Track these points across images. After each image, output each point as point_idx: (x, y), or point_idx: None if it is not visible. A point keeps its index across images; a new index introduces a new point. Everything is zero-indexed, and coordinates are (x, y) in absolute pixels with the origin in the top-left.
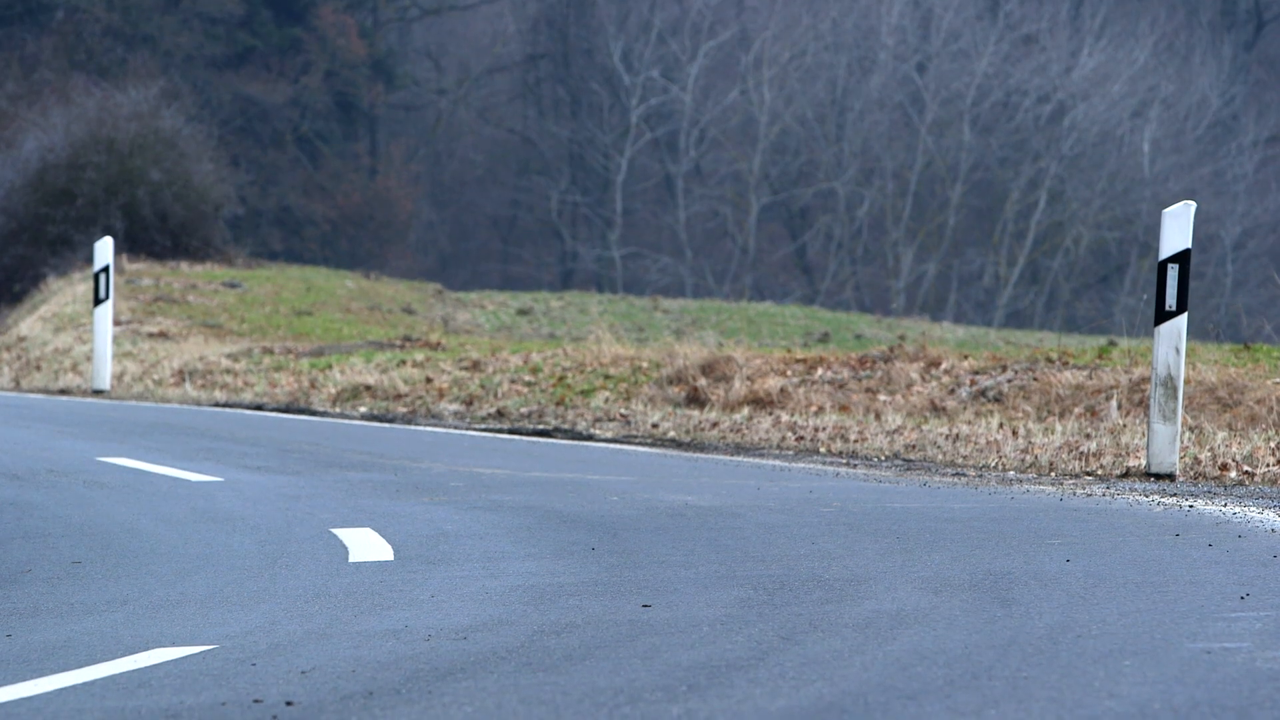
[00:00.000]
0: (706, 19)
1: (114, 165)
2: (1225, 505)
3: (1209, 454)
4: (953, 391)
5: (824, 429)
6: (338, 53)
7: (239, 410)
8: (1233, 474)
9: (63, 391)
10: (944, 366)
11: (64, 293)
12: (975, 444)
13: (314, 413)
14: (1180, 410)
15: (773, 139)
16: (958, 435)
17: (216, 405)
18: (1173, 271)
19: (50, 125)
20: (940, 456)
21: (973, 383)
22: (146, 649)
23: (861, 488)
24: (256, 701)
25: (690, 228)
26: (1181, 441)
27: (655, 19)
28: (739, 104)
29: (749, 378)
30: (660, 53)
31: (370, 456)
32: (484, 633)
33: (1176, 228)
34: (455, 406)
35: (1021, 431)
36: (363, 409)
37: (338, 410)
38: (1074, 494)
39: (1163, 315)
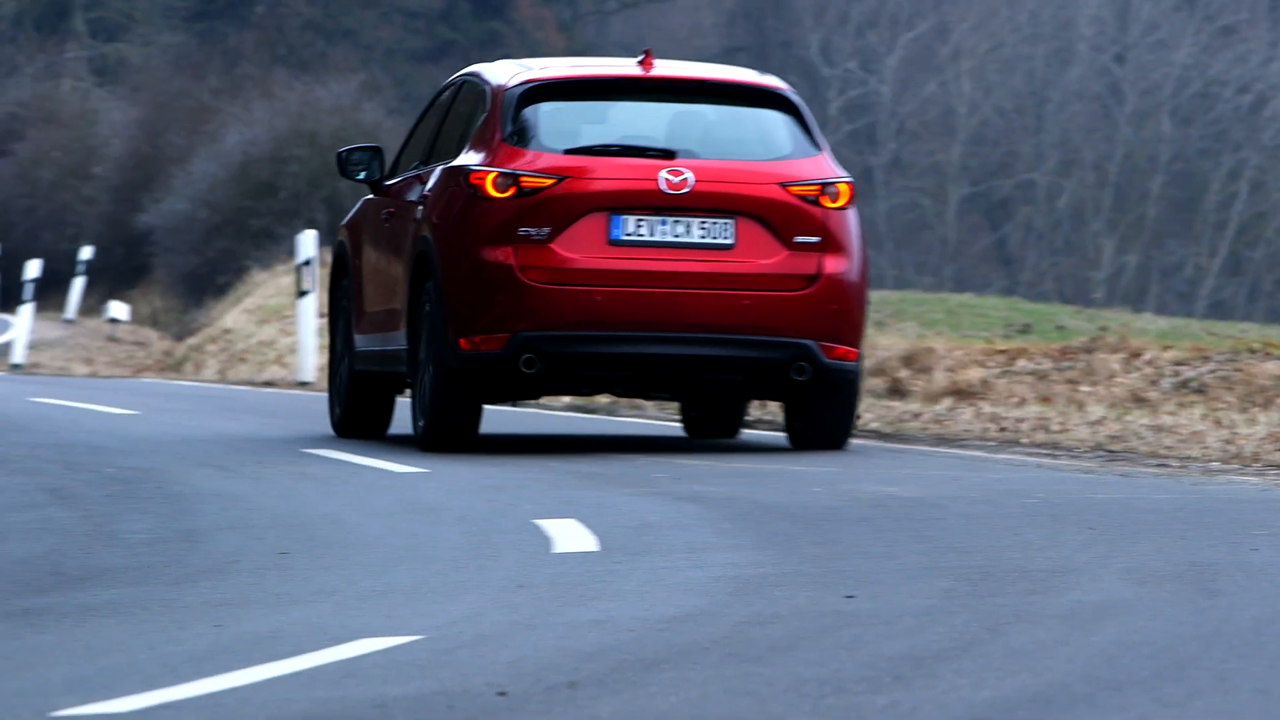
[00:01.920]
0: (905, 11)
1: (315, 159)
2: None
3: None
4: (1155, 382)
5: (1026, 420)
6: (536, 46)
7: None
8: None
9: (267, 383)
10: (1146, 357)
11: (267, 285)
12: (1178, 435)
13: (516, 405)
14: None
15: (972, 130)
16: (1160, 426)
17: None
18: None
19: (252, 119)
20: (1143, 447)
21: (1175, 373)
22: (353, 639)
23: (1064, 478)
24: (464, 692)
25: (890, 219)
26: None
27: (853, 11)
28: (938, 95)
29: (950, 369)
30: (858, 45)
31: (574, 447)
32: (688, 623)
33: None
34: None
35: (1225, 422)
36: (564, 400)
37: (540, 401)
38: (1278, 485)
39: None
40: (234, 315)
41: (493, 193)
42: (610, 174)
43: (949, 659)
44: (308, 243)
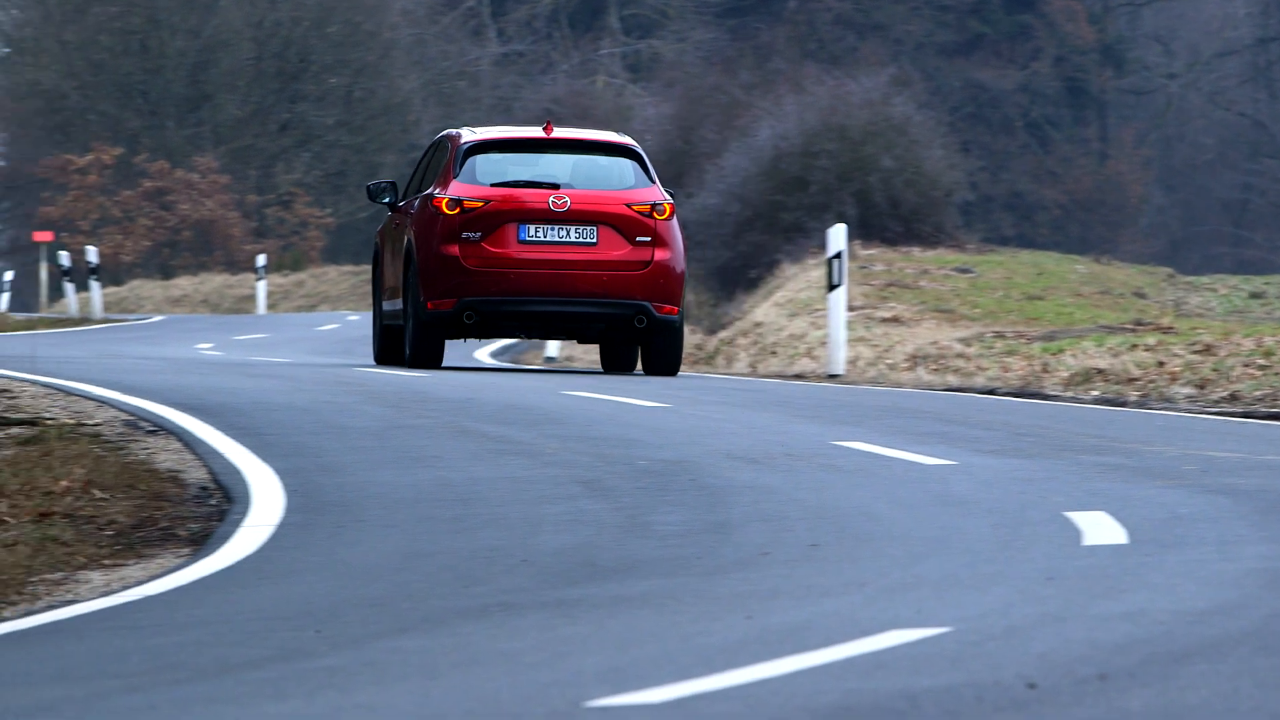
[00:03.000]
0: None
1: (846, 153)
2: None
3: None
4: None
5: None
6: (1066, 39)
7: (971, 394)
8: None
9: (797, 376)
10: None
11: (797, 279)
12: None
13: (1045, 396)
14: None
15: None
16: None
17: (948, 389)
18: None
19: (783, 114)
20: None
21: None
22: (882, 631)
23: None
24: (993, 684)
25: None
26: None
27: None
28: None
29: None
30: None
31: (1102, 440)
32: (1219, 616)
33: None
34: (1187, 390)
35: None
36: (1094, 392)
37: (1069, 394)
38: None
39: None
40: (765, 308)
41: (446, 211)
42: (518, 199)
43: None
44: (838, 236)
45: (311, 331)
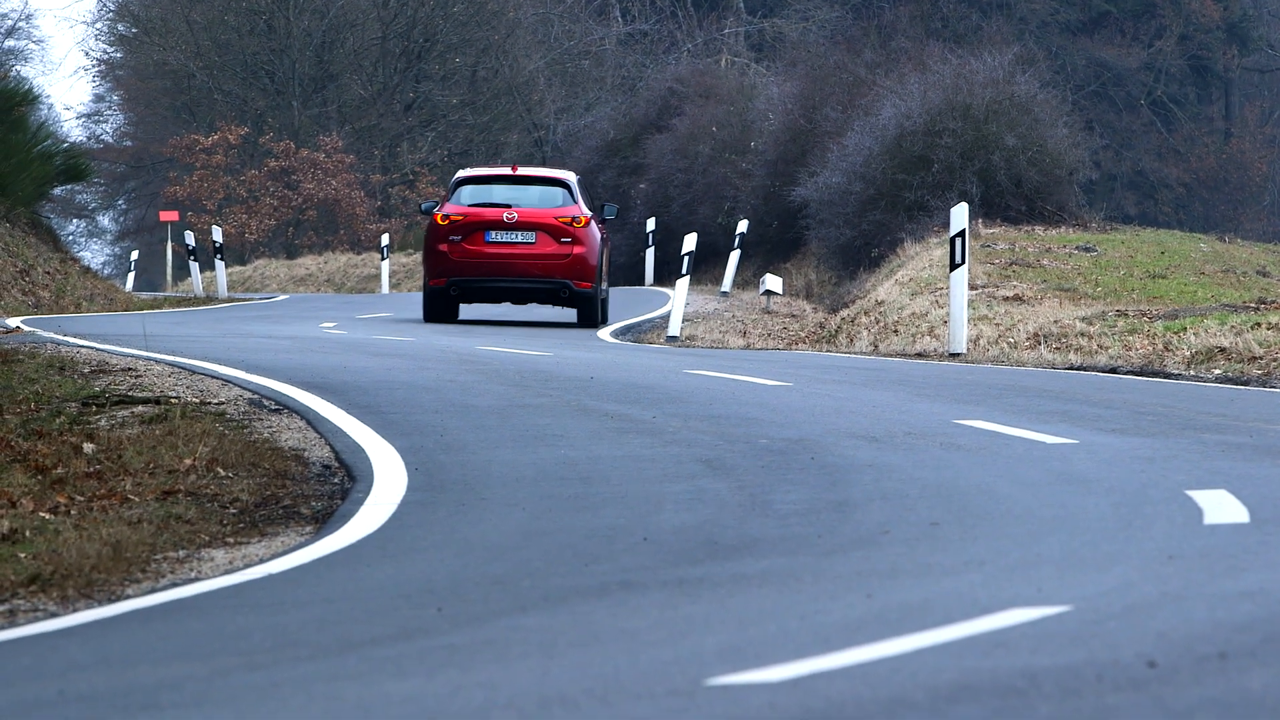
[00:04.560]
0: None
1: (969, 131)
2: None
3: None
4: None
5: None
6: (1191, 16)
7: (1092, 373)
8: None
9: (919, 355)
10: None
11: (920, 258)
12: None
13: (1167, 375)
14: None
15: None
16: None
17: (1070, 368)
18: None
19: (907, 93)
20: None
21: None
22: (1002, 609)
23: None
24: (1113, 662)
25: None
26: None
27: None
28: None
29: None
30: None
31: (1224, 419)
32: None
33: None
34: None
35: None
36: (1216, 371)
37: (1191, 373)
38: None
39: None
40: (887, 287)
41: (440, 223)
42: (485, 214)
43: None
44: (960, 215)
45: None
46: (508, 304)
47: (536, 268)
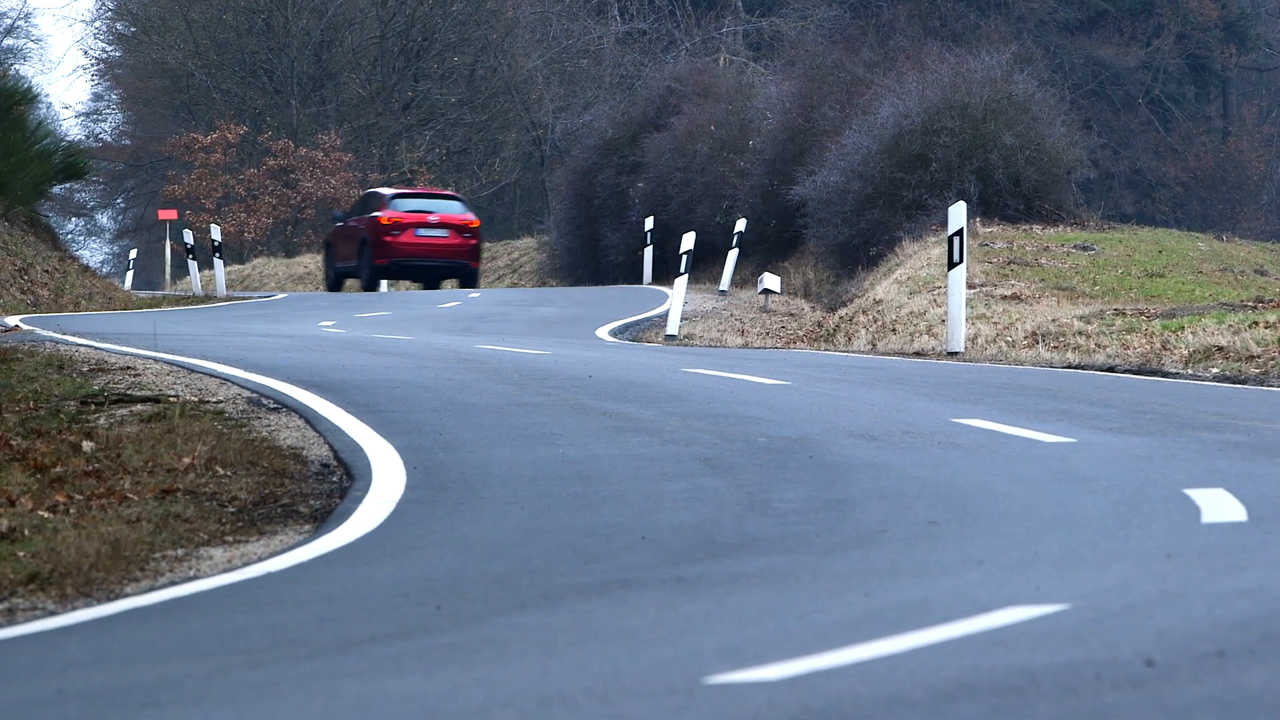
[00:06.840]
0: None
1: (967, 130)
2: None
3: None
4: None
5: None
6: (1189, 15)
7: (1090, 371)
8: None
9: (917, 354)
10: None
11: (918, 256)
12: None
13: (1165, 374)
14: None
15: None
16: None
17: (1068, 367)
18: None
19: (905, 92)
20: None
21: None
22: (1001, 608)
23: None
24: (1111, 661)
25: None
26: None
27: None
28: None
29: None
30: None
31: (1222, 417)
32: None
33: None
34: None
35: None
36: (1214, 370)
37: (1189, 371)
38: None
39: None
40: (885, 286)
41: (383, 222)
42: (414, 218)
43: None
44: (959, 214)
45: (433, 309)
46: (421, 282)
47: (449, 252)
